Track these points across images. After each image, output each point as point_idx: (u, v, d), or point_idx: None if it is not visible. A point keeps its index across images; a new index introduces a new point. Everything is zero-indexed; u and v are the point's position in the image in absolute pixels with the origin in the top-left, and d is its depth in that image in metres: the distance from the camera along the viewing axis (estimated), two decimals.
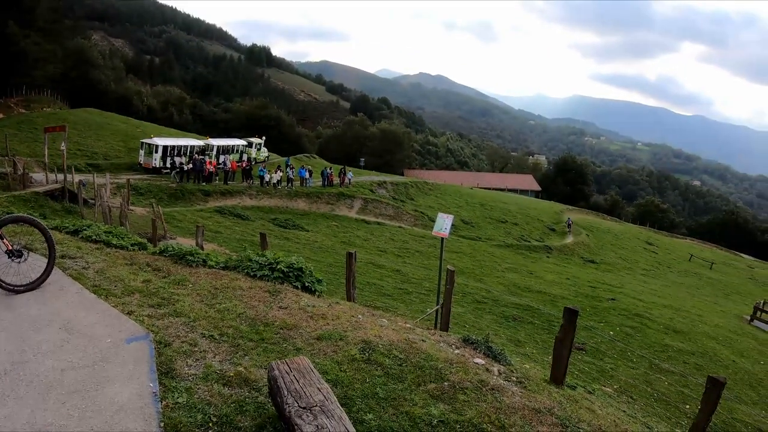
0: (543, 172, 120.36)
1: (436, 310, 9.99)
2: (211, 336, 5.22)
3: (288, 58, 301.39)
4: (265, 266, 7.57)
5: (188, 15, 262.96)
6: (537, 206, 67.64)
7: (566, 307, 6.06)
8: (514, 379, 5.46)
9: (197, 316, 5.71)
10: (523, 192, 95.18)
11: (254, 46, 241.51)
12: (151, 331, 5.12)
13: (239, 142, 49.57)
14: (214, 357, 4.80)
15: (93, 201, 24.19)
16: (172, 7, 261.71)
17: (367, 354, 5.25)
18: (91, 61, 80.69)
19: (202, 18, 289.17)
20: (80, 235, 9.25)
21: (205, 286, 6.87)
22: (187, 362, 4.62)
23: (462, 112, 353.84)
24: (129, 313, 5.55)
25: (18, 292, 5.93)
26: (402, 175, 79.16)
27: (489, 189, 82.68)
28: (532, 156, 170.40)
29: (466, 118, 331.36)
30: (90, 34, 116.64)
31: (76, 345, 4.75)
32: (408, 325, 6.99)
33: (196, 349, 4.89)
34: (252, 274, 7.49)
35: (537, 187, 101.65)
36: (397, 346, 5.54)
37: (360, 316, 6.61)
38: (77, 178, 26.34)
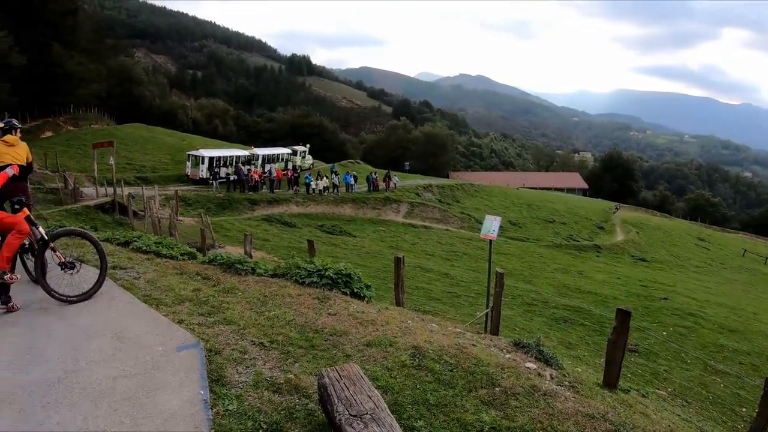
0: (589, 170, 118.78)
1: (486, 314, 9.81)
2: (261, 343, 5.19)
3: (328, 66, 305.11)
4: (314, 273, 7.53)
5: (227, 29, 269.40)
6: (585, 204, 66.61)
7: (619, 308, 5.84)
8: (567, 383, 5.29)
9: (247, 323, 5.70)
10: (569, 190, 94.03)
11: (294, 55, 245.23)
12: (202, 339, 5.12)
13: (284, 150, 50.07)
14: (264, 364, 4.77)
15: (142, 213, 24.73)
16: (211, 21, 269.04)
17: (417, 360, 5.14)
18: (135, 78, 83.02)
19: (241, 31, 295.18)
20: (131, 246, 9.40)
21: (255, 294, 6.85)
22: (237, 370, 4.61)
23: (504, 112, 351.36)
24: (180, 322, 5.59)
25: (71, 303, 6.04)
26: (447, 177, 78.94)
27: (535, 189, 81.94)
28: (578, 153, 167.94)
29: (508, 117, 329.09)
30: (132, 52, 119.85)
31: (127, 353, 4.79)
32: (458, 330, 6.86)
33: (246, 356, 4.87)
34: (301, 281, 7.45)
35: (584, 185, 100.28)
36: (448, 352, 5.42)
37: (409, 322, 6.51)
38: (126, 191, 26.96)
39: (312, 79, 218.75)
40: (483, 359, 5.31)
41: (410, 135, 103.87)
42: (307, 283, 7.37)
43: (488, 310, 9.54)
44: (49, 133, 48.85)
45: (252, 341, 5.22)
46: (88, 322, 5.56)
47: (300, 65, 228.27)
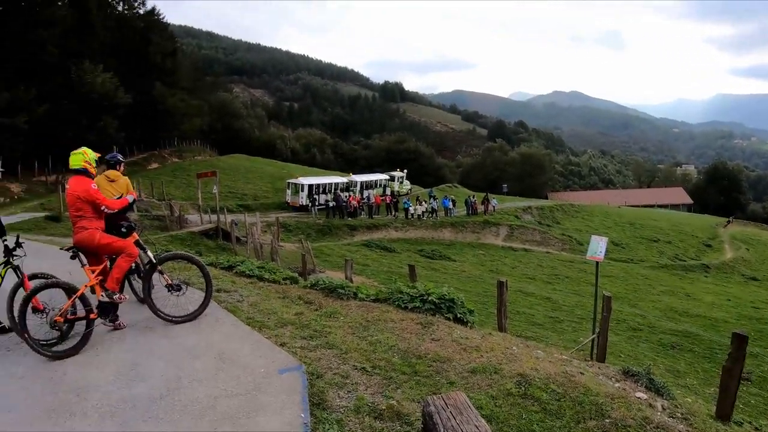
0: (693, 183, 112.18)
1: (592, 340, 9.33)
2: (363, 368, 5.11)
3: (420, 92, 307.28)
4: (416, 298, 7.40)
5: (320, 61, 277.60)
6: (690, 221, 63.10)
7: (734, 332, 5.37)
8: (679, 415, 4.91)
9: (349, 348, 5.65)
10: (674, 207, 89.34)
11: (386, 83, 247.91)
12: (304, 362, 5.11)
13: (381, 176, 50.61)
14: (366, 389, 4.69)
15: (245, 238, 25.45)
16: (304, 55, 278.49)
17: (523, 388, 4.92)
18: (235, 112, 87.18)
19: (333, 62, 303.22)
20: (234, 271, 9.62)
21: (357, 319, 6.82)
22: (338, 394, 4.55)
23: (601, 127, 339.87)
24: (282, 345, 5.60)
25: (176, 323, 6.26)
26: (546, 198, 77.25)
27: (637, 206, 78.59)
28: (680, 166, 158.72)
29: (606, 132, 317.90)
30: (231, 87, 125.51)
31: (230, 374, 4.84)
32: (564, 357, 6.52)
33: (347, 381, 4.81)
34: (403, 306, 7.34)
35: (688, 200, 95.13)
36: (555, 380, 5.14)
37: (514, 348, 6.25)
38: (229, 218, 27.87)
39: (405, 105, 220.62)
40: (591, 388, 5.02)
41: (507, 156, 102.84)
42: (409, 308, 7.25)
43: (595, 335, 9.08)
44: (155, 165, 51.82)
45: (354, 366, 5.15)
46: (192, 342, 5.71)
47: (393, 92, 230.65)
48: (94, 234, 5.99)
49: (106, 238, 6.09)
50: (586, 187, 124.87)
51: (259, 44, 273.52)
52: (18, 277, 6.51)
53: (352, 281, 12.93)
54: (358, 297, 7.85)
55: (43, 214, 23.54)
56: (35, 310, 6.05)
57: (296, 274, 10.34)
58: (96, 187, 6.08)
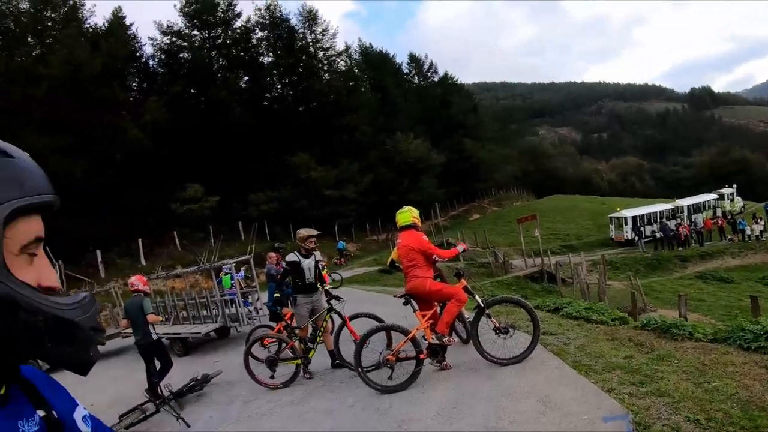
0: None
1: None
2: (696, 420, 4.47)
3: (732, 90, 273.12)
4: (761, 336, 6.36)
5: (618, 83, 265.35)
6: None
7: None
8: None
9: (682, 396, 5.02)
10: None
11: (693, 90, 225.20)
12: (631, 410, 4.69)
13: (709, 197, 45.41)
14: None
15: (570, 279, 25.13)
16: (599, 82, 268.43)
17: None
18: (544, 153, 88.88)
19: (631, 82, 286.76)
20: (560, 313, 9.54)
21: (692, 362, 6.08)
22: None
23: None
24: (608, 391, 5.25)
25: (502, 365, 6.36)
26: None
27: None
28: None
29: None
30: (536, 130, 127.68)
31: (551, 418, 4.73)
32: None
33: None
34: (745, 346, 6.35)
35: None
36: None
37: None
38: (553, 259, 27.80)
39: (719, 110, 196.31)
40: None
41: None
42: (753, 348, 6.24)
43: None
44: (476, 216, 55.14)
45: (686, 417, 4.54)
46: (514, 384, 5.72)
47: (702, 98, 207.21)
48: (425, 282, 6.56)
49: (437, 284, 6.65)
50: None
51: (553, 83, 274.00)
52: (341, 320, 7.82)
53: (686, 319, 11.83)
54: (694, 337, 7.04)
55: (376, 268, 26.32)
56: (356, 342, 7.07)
57: (626, 314, 9.88)
58: (427, 239, 6.69)
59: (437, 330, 6.44)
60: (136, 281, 8.66)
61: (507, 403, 5.13)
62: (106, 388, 9.32)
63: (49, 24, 35.95)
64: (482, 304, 6.53)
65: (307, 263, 8.13)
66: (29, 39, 35.61)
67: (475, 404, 5.23)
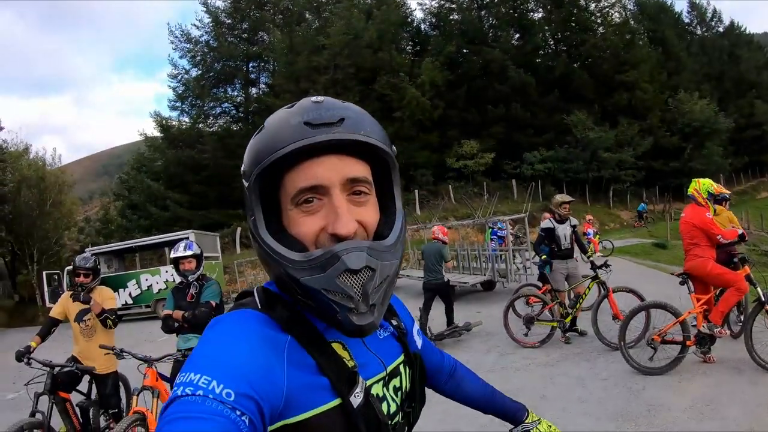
0: None
1: None
2: None
3: None
4: None
5: None
6: None
7: None
8: None
9: None
10: None
11: None
12: None
13: None
14: None
15: None
16: None
17: None
18: None
19: None
20: None
21: None
22: None
23: None
24: None
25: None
26: None
27: None
28: None
29: None
30: None
31: None
32: None
33: None
34: None
35: None
36: None
37: None
38: None
39: None
40: None
41: None
42: None
43: None
44: (765, 194, 47.87)
45: None
46: None
47: None
48: (706, 263, 6.16)
49: (718, 268, 6.16)
50: None
51: None
52: (603, 290, 7.65)
53: None
54: None
55: (650, 241, 24.74)
56: (614, 317, 7.31)
57: None
58: (711, 216, 6.23)
59: (710, 318, 6.07)
60: (437, 230, 9.68)
61: (764, 414, 4.76)
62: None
63: (323, 0, 40.33)
64: (764, 298, 5.86)
65: (562, 229, 8.34)
66: (307, 15, 40.19)
67: (729, 406, 4.95)
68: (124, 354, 4.79)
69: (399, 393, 1.11)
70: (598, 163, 36.94)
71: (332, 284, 0.87)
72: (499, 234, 16.03)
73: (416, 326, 1.36)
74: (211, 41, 39.27)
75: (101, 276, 6.10)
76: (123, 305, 18.53)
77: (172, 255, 5.46)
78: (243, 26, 40.62)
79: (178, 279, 5.49)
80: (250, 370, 0.83)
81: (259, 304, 0.98)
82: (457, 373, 1.48)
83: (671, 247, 22.09)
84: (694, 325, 6.23)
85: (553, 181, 36.28)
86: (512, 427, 1.44)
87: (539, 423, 1.43)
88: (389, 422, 1.02)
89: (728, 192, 7.26)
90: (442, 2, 44.68)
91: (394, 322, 1.18)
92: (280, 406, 0.86)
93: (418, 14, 45.79)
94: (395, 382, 1.11)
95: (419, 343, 1.33)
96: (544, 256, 8.58)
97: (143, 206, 34.62)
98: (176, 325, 5.19)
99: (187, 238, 13.24)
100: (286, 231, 0.94)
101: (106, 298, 5.28)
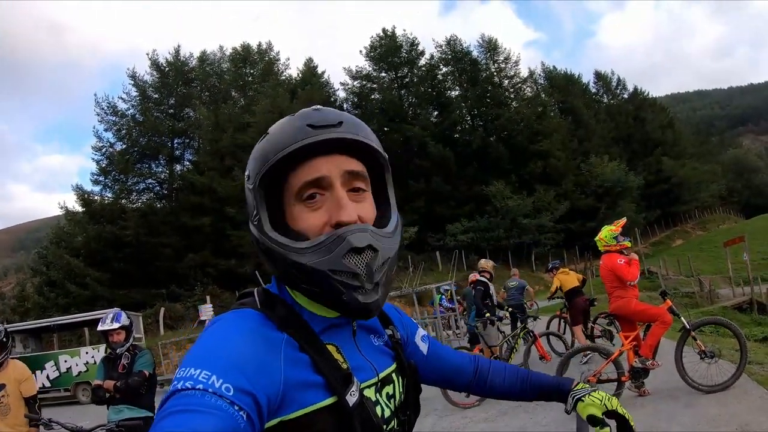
0: None
1: None
2: None
3: None
4: None
5: None
6: None
7: None
8: None
9: None
10: None
11: None
12: None
13: None
14: None
15: None
16: None
17: None
18: (751, 167, 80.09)
19: None
20: None
21: None
22: None
23: None
24: None
25: (702, 392, 6.23)
26: None
27: None
28: None
29: None
30: (739, 141, 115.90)
31: None
32: None
33: None
34: None
35: None
36: None
37: None
38: (764, 288, 25.40)
39: None
40: None
41: None
42: None
43: None
44: (679, 241, 51.31)
45: None
46: (715, 413, 5.63)
47: None
48: (629, 302, 6.68)
49: (642, 305, 6.76)
50: None
51: (752, 84, 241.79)
52: (530, 338, 8.42)
53: None
54: None
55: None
56: (541, 357, 8.00)
57: None
58: (621, 263, 6.69)
59: (640, 353, 6.46)
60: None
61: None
62: None
63: (249, 79, 42.23)
64: (688, 326, 6.38)
65: (493, 287, 9.04)
66: (233, 93, 41.07)
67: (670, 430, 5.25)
68: (53, 424, 4.39)
69: (392, 400, 1.14)
70: (518, 230, 38.82)
71: (338, 264, 0.93)
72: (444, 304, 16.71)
73: (421, 332, 1.39)
74: (137, 115, 39.15)
75: (16, 356, 5.36)
76: (41, 388, 17.40)
77: (100, 327, 5.15)
78: (170, 101, 40.90)
79: (98, 359, 5.04)
80: (248, 367, 0.88)
81: (258, 304, 1.04)
82: (482, 369, 1.47)
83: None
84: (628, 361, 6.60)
85: (476, 249, 37.37)
86: (563, 405, 1.44)
87: (595, 390, 1.39)
88: (384, 426, 1.06)
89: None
90: (364, 83, 47.24)
91: (389, 331, 1.22)
92: (276, 402, 0.90)
93: (341, 94, 47.56)
94: (388, 389, 1.14)
95: (425, 348, 1.37)
96: (487, 314, 8.81)
97: (62, 283, 33.01)
98: (107, 395, 4.91)
99: (116, 309, 12.85)
100: (289, 227, 1.01)
101: (21, 374, 4.63)
